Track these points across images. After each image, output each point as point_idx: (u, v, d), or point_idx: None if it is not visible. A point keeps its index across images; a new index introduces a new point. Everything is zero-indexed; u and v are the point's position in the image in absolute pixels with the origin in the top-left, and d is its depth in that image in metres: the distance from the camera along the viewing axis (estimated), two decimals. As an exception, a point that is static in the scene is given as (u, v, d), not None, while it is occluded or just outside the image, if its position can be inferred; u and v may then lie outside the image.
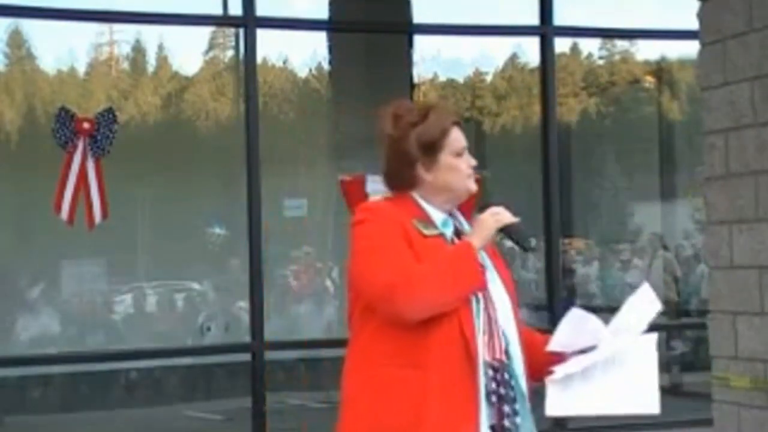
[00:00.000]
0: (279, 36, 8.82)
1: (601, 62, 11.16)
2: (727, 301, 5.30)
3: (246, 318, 8.11)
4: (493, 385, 2.80)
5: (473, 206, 3.11)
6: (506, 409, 2.82)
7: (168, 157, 9.31)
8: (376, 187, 6.63)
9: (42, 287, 9.03)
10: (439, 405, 2.72)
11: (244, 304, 8.30)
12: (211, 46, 10.06)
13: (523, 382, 2.87)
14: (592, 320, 2.91)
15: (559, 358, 2.93)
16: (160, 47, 9.96)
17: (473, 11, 8.90)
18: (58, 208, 7.34)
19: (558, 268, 8.62)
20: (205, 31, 9.67)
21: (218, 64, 10.23)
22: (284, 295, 9.67)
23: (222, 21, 8.83)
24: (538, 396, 2.92)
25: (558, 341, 2.94)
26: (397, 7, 9.00)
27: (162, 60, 10.13)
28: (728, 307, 5.28)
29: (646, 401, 2.85)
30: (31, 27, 8.95)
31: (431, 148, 2.90)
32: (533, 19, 8.75)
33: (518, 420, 2.84)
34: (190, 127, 10.33)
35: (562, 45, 9.38)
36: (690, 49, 7.81)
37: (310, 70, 10.29)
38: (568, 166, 9.54)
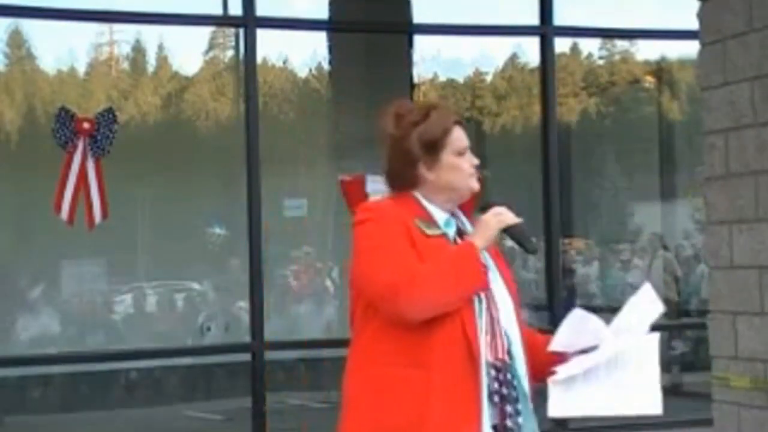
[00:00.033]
0: (279, 36, 8.82)
1: (601, 62, 11.16)
2: (727, 301, 5.30)
3: (246, 318, 8.11)
4: (496, 385, 2.80)
5: (473, 205, 3.11)
6: (509, 409, 2.82)
7: (168, 157, 9.31)
8: (376, 187, 6.64)
9: (42, 287, 9.03)
10: (441, 405, 2.72)
11: (244, 304, 8.31)
12: (211, 46, 10.07)
13: (525, 382, 2.87)
14: (594, 320, 2.91)
15: (561, 358, 2.93)
16: (160, 47, 9.96)
17: (473, 11, 8.90)
18: (58, 208, 7.34)
19: (558, 268, 8.62)
20: (205, 31, 9.67)
21: (218, 64, 10.23)
22: (284, 295, 9.67)
23: (222, 21, 8.83)
24: (540, 396, 2.92)
25: (559, 341, 2.94)
26: (397, 7, 9.00)
27: (162, 60, 10.13)
28: (728, 307, 5.28)
29: (649, 402, 2.85)
30: (31, 27, 8.95)
31: (433, 147, 2.90)
32: (533, 19, 8.76)
33: (520, 420, 2.84)
34: (190, 127, 10.32)
35: (562, 45, 9.38)
36: (690, 49, 7.82)
37: (310, 70, 10.29)
38: (568, 166, 9.54)
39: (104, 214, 7.43)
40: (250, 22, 8.05)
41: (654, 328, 2.95)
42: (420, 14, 8.96)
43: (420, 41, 9.40)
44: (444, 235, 2.89)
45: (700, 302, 9.70)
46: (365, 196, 7.06)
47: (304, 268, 9.82)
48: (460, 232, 2.94)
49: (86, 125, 7.48)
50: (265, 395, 7.83)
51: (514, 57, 10.73)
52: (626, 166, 10.96)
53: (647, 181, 10.64)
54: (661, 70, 10.79)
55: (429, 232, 2.84)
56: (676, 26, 8.52)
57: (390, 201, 2.93)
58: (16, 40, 9.26)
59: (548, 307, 8.54)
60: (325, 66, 9.95)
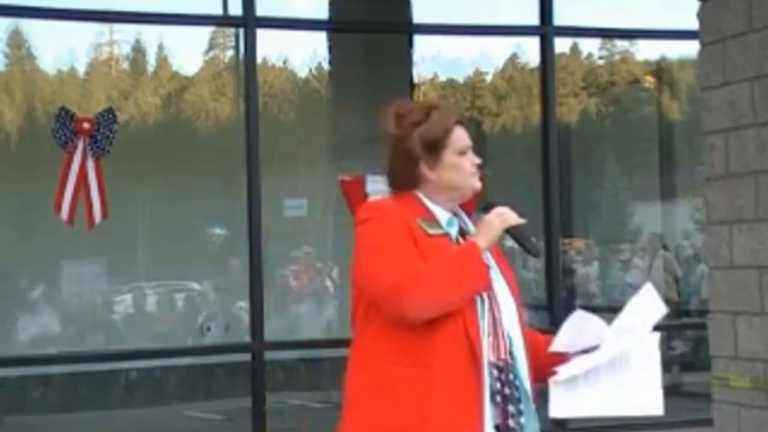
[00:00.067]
0: (279, 36, 8.82)
1: (601, 62, 11.17)
2: (727, 301, 5.30)
3: (246, 318, 8.11)
4: (498, 385, 2.80)
5: (475, 205, 3.11)
6: (511, 409, 2.82)
7: (168, 157, 9.31)
8: (376, 187, 6.65)
9: (42, 287, 9.03)
10: (443, 405, 2.72)
11: (244, 304, 8.31)
12: (211, 46, 10.06)
13: (527, 382, 2.86)
14: (595, 321, 2.91)
15: (562, 358, 2.93)
16: (160, 47, 9.96)
17: (473, 11, 8.91)
18: (58, 208, 7.34)
19: (558, 268, 8.62)
20: (205, 31, 9.67)
21: (218, 64, 10.23)
22: (284, 295, 9.67)
23: (222, 21, 8.84)
24: (541, 397, 2.92)
25: (561, 342, 2.94)
26: (397, 7, 9.00)
27: (162, 60, 10.13)
28: (728, 307, 5.29)
29: (650, 403, 2.85)
30: (31, 27, 8.94)
31: (434, 147, 2.90)
32: (533, 19, 8.76)
33: (522, 420, 2.84)
34: (190, 127, 10.32)
35: (562, 45, 9.38)
36: (690, 49, 7.82)
37: (310, 70, 10.29)
38: (568, 166, 9.54)
39: (104, 214, 7.43)
40: (250, 22, 8.05)
41: (654, 328, 2.95)
42: (420, 14, 8.96)
43: (420, 41, 9.40)
44: (446, 234, 2.89)
45: (700, 302, 9.71)
46: (365, 196, 7.07)
47: (304, 268, 9.82)
48: (463, 232, 2.94)
49: (86, 125, 7.48)
50: (265, 395, 7.83)
51: (514, 57, 10.73)
52: (626, 166, 10.96)
53: (647, 181, 10.64)
54: (661, 70, 10.79)
55: (431, 231, 2.84)
56: (676, 26, 8.52)
57: (392, 200, 2.93)
58: (16, 40, 9.26)
59: (548, 307, 8.54)
60: (325, 66, 9.96)
